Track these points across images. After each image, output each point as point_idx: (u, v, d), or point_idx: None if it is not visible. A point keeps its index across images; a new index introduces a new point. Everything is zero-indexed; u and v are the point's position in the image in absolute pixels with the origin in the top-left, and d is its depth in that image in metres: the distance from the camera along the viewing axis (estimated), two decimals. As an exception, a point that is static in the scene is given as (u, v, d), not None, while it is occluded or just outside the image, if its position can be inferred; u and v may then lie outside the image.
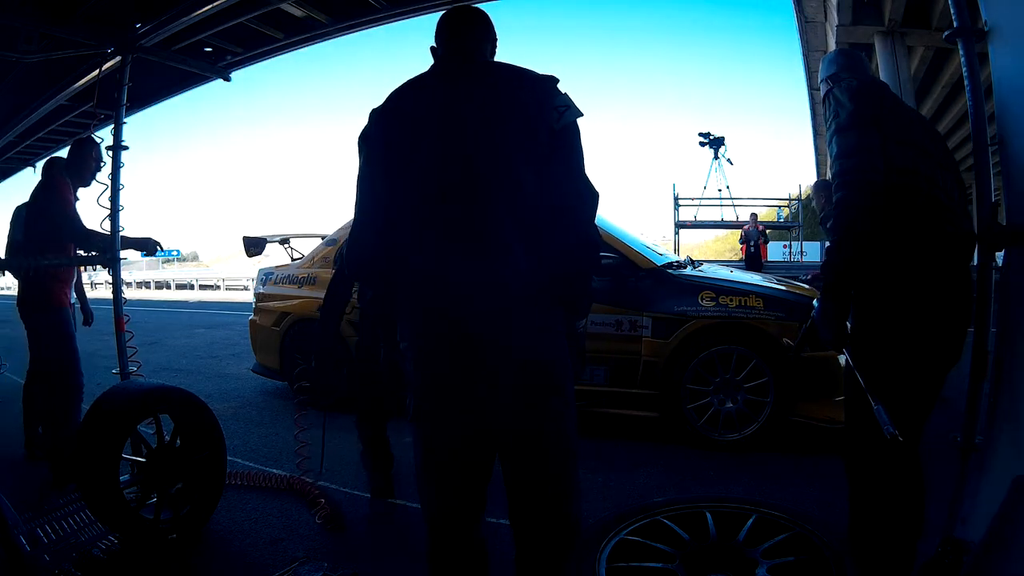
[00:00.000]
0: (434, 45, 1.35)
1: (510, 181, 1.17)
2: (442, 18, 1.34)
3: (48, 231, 2.65)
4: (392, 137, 1.25)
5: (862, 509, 1.46)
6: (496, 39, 1.36)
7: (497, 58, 1.36)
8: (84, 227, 2.69)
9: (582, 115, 1.21)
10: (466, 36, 1.30)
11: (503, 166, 1.17)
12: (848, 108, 1.38)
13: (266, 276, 4.39)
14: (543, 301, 1.21)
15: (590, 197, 1.22)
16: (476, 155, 1.17)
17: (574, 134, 1.20)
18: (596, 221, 1.23)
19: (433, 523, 1.30)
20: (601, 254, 1.29)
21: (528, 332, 1.19)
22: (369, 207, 1.28)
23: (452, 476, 1.26)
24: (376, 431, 2.46)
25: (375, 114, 1.29)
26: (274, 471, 2.70)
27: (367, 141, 1.28)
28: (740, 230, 12.15)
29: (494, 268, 1.17)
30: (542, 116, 1.17)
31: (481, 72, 1.25)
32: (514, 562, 1.28)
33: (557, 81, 1.23)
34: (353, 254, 1.30)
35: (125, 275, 2.88)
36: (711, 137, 19.34)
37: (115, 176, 2.56)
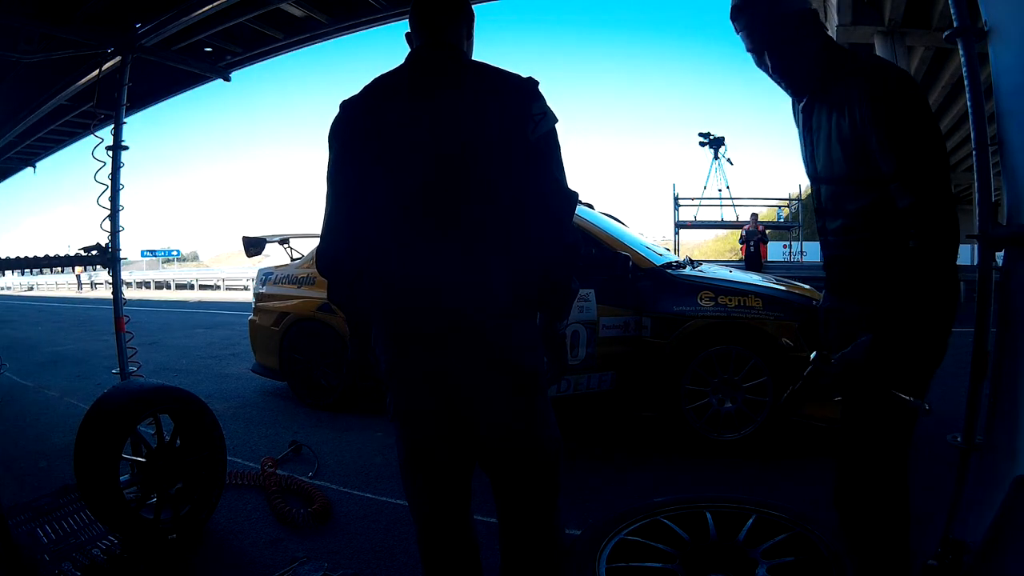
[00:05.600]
0: (409, 32, 1.28)
1: (485, 186, 1.15)
2: (416, 2, 1.26)
3: None
4: (364, 134, 1.21)
5: (860, 510, 1.46)
6: (473, 16, 1.31)
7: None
8: None
9: (557, 121, 1.19)
10: (443, 25, 1.24)
11: (478, 171, 1.15)
12: None
13: (266, 276, 4.38)
14: (519, 304, 1.19)
15: (567, 202, 1.20)
16: (451, 158, 1.15)
17: (551, 141, 1.18)
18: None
19: (420, 519, 1.31)
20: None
21: (503, 334, 1.18)
22: (340, 205, 1.24)
23: (434, 473, 1.27)
24: None
25: (347, 107, 1.23)
26: (278, 472, 2.70)
27: (338, 135, 1.23)
28: (740, 230, 12.17)
29: (469, 271, 1.15)
30: (519, 124, 1.14)
31: (459, 72, 1.20)
32: (500, 564, 1.30)
33: (537, 84, 1.19)
34: (324, 253, 1.27)
35: (125, 275, 2.88)
36: (711, 137, 19.32)
37: (115, 176, 2.56)
